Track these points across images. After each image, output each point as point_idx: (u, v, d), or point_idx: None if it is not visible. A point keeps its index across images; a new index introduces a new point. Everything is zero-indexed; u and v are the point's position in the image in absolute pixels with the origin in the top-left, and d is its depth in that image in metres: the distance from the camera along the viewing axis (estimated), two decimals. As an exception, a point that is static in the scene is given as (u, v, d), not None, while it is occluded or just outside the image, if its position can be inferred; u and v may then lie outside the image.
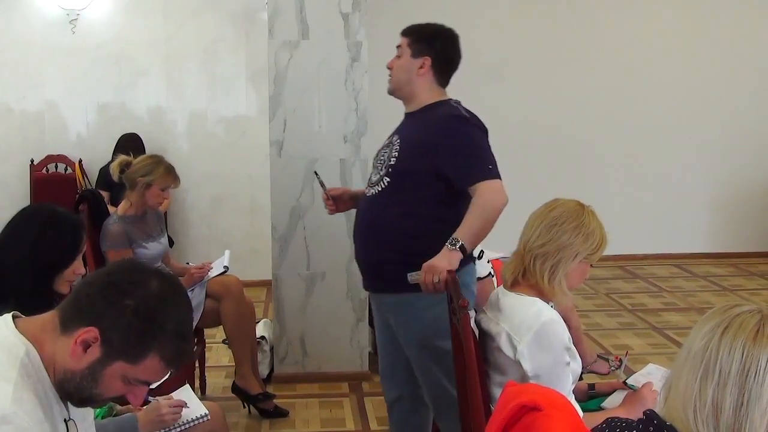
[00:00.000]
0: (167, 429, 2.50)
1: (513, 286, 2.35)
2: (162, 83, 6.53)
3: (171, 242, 5.16)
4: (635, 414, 2.24)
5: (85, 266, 2.46)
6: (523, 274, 2.31)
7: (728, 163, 7.46)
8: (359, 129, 4.34)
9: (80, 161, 6.35)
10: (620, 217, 6.37)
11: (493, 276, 3.24)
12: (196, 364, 4.09)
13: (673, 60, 7.27)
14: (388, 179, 2.81)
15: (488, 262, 3.27)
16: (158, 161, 3.87)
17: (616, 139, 7.31)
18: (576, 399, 2.34)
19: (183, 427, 2.53)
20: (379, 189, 2.83)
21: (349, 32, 4.31)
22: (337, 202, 3.12)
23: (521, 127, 7.14)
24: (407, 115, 2.94)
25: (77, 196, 4.52)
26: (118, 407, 2.55)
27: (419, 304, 2.71)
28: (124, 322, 1.50)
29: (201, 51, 6.50)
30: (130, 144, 5.90)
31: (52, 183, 6.29)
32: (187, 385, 2.85)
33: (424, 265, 2.55)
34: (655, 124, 7.33)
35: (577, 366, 2.31)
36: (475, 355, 2.32)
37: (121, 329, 1.50)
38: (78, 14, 6.33)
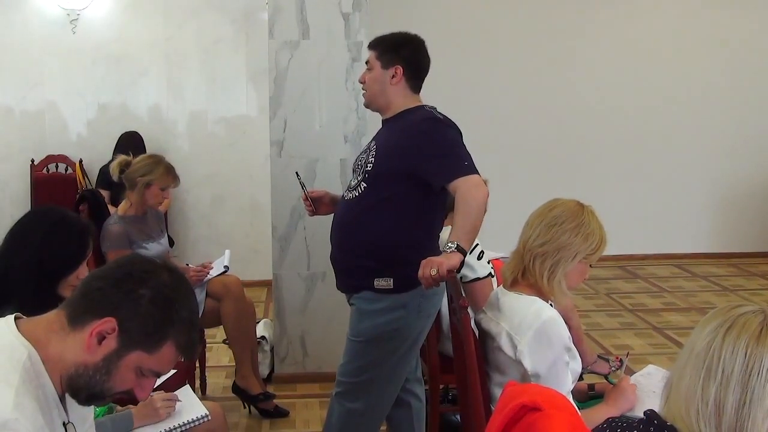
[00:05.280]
0: (168, 429, 2.51)
1: (512, 285, 2.36)
2: (162, 83, 6.53)
3: (171, 242, 5.16)
4: (619, 406, 2.26)
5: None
6: (523, 274, 2.32)
7: (728, 163, 7.47)
8: (359, 129, 4.34)
9: (81, 161, 6.36)
10: (620, 217, 6.38)
11: (493, 276, 3.24)
12: (197, 364, 4.09)
13: (674, 60, 7.28)
14: (364, 184, 2.85)
15: (488, 262, 3.27)
16: (158, 161, 3.88)
17: (617, 139, 7.31)
18: (576, 399, 2.34)
19: (183, 428, 2.53)
20: (356, 194, 2.86)
21: (350, 32, 4.31)
22: (318, 204, 3.16)
23: (521, 127, 7.14)
24: (384, 122, 2.99)
25: (77, 196, 4.52)
26: (118, 408, 2.56)
27: (383, 302, 2.80)
28: (142, 310, 1.52)
29: (201, 51, 6.51)
30: (130, 142, 5.92)
31: (53, 183, 6.30)
32: (188, 386, 2.85)
33: (423, 260, 2.56)
34: (655, 124, 7.33)
35: (576, 366, 2.31)
36: (475, 355, 2.32)
37: (139, 318, 1.52)
38: (78, 14, 6.33)
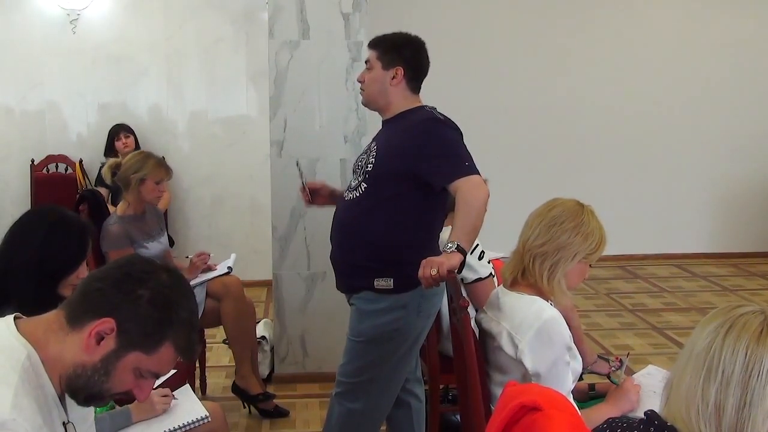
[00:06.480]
0: (168, 431, 2.51)
1: (512, 285, 2.36)
2: (162, 83, 6.53)
3: (171, 242, 5.16)
4: (620, 407, 2.26)
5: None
6: (523, 274, 2.32)
7: (729, 163, 7.46)
8: (359, 129, 4.34)
9: (81, 161, 6.35)
10: (620, 217, 6.37)
11: (494, 276, 3.25)
12: (197, 364, 4.09)
13: (674, 60, 7.28)
14: (365, 185, 2.85)
15: (489, 262, 3.27)
16: (146, 155, 3.89)
17: (617, 139, 7.31)
18: (576, 399, 2.33)
19: (183, 429, 2.53)
20: (357, 194, 2.87)
21: (350, 32, 4.31)
22: (315, 195, 3.17)
23: (521, 127, 7.14)
24: (384, 123, 2.99)
25: (77, 196, 4.52)
26: (117, 408, 2.56)
27: (383, 303, 2.80)
28: (141, 311, 1.52)
29: (201, 51, 6.50)
30: (120, 128, 6.07)
31: (53, 183, 6.30)
32: (187, 386, 2.85)
33: (424, 260, 2.56)
34: (655, 124, 7.33)
35: (577, 366, 2.31)
36: (475, 355, 2.32)
37: (138, 318, 1.52)
38: (78, 14, 6.33)
